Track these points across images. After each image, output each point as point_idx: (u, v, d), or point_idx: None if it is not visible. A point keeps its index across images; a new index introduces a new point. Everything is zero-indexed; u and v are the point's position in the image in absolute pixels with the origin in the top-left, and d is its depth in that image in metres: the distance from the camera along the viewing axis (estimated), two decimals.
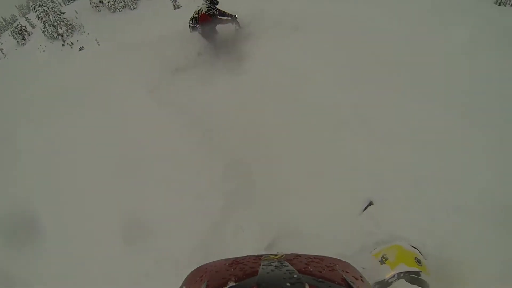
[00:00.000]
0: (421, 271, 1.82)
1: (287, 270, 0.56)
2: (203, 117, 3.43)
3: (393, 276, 1.77)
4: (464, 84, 2.97)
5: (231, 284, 0.56)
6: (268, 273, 0.56)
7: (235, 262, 0.68)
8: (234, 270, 0.62)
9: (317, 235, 2.17)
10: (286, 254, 0.73)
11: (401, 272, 1.78)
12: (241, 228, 2.17)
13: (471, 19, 3.75)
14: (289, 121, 2.91)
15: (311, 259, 0.68)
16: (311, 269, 0.61)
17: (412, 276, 1.78)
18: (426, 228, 2.24)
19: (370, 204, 2.35)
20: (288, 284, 0.48)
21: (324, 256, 0.78)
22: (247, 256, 0.79)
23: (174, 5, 9.41)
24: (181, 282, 0.93)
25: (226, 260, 0.77)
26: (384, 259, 1.92)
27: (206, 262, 0.83)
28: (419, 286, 1.73)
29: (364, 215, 2.31)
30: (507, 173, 2.50)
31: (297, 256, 0.72)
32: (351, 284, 0.54)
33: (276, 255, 0.72)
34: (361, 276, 0.64)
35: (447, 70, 3.16)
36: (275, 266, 0.59)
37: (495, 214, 2.27)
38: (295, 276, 0.52)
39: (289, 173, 2.47)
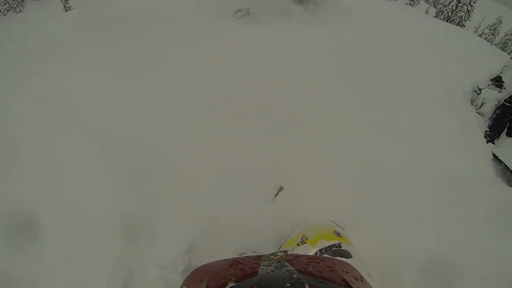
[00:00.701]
0: (341, 242, 1.89)
1: (287, 270, 0.57)
2: None
3: (316, 254, 1.81)
4: None
5: (231, 284, 0.57)
6: (268, 273, 0.57)
7: (235, 262, 0.69)
8: (234, 270, 0.63)
9: (235, 227, 2.25)
10: (286, 255, 0.74)
11: (322, 248, 1.82)
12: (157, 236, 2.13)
13: None
14: None
15: (311, 259, 0.69)
16: (311, 269, 0.62)
17: (334, 249, 1.82)
18: (339, 203, 2.45)
19: (281, 189, 2.45)
20: (288, 284, 0.49)
21: (324, 256, 0.80)
22: (247, 256, 0.81)
23: (65, 6, 9.15)
24: None
25: (226, 260, 0.79)
26: (304, 239, 1.98)
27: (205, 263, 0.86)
28: (342, 256, 1.78)
29: (277, 201, 2.40)
30: (402, 144, 3.04)
31: (297, 256, 0.73)
32: (351, 284, 0.55)
33: (276, 255, 0.74)
34: (361, 276, 0.65)
35: None
36: (275, 266, 0.60)
37: (396, 184, 2.67)
38: (295, 276, 0.53)
39: (196, 171, 2.49)
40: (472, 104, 4.11)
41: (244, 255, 2.12)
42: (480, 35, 30.82)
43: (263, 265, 0.61)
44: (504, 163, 3.35)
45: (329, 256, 0.92)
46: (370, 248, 2.23)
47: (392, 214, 2.51)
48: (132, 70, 3.15)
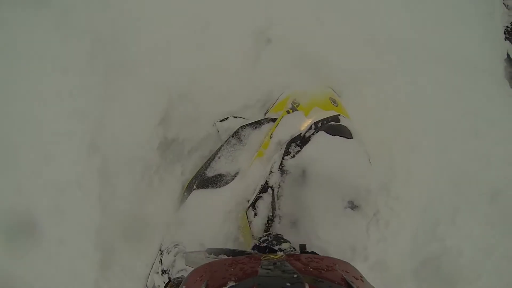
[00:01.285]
0: (339, 114, 1.63)
1: (287, 270, 0.56)
2: None
3: (310, 128, 1.55)
4: None
5: (231, 284, 0.54)
6: (268, 273, 0.56)
7: (235, 262, 0.67)
8: (234, 270, 0.62)
9: (214, 90, 2.04)
10: (286, 254, 0.72)
11: (317, 121, 1.56)
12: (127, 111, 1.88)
13: None
14: None
15: (311, 259, 0.67)
16: (311, 269, 0.60)
17: (332, 124, 1.56)
18: (337, 64, 2.21)
19: (269, 42, 2.15)
20: (288, 284, 0.47)
21: (324, 256, 0.77)
22: (247, 256, 0.80)
23: None
24: None
25: (226, 260, 0.78)
26: (295, 105, 1.70)
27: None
28: (342, 135, 1.53)
29: (265, 57, 2.13)
30: (415, 14, 2.75)
31: (297, 256, 0.71)
32: (351, 284, 0.53)
33: (276, 255, 0.71)
34: (361, 276, 0.64)
35: None
36: (275, 266, 0.59)
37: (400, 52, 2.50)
38: (295, 276, 0.51)
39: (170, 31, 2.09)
40: None
41: (225, 121, 1.79)
42: None
43: (263, 265, 0.61)
44: None
45: (329, 257, 0.81)
46: (367, 122, 2.11)
47: (393, 84, 2.39)
48: None
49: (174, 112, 1.98)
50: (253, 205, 1.49)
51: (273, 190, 1.44)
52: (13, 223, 1.49)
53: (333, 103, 1.76)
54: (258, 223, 1.48)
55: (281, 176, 1.44)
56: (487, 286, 2.05)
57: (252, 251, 1.14)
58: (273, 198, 1.45)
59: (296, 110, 1.70)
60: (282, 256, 0.69)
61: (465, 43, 2.93)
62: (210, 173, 1.67)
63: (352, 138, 1.54)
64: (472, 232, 2.16)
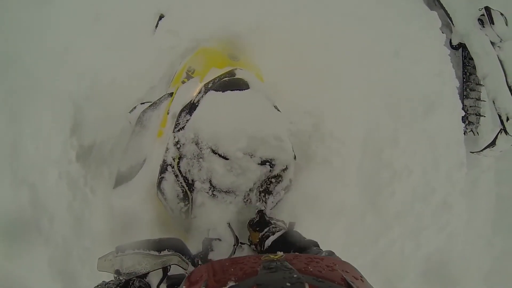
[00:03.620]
0: (236, 68, 1.50)
1: (287, 270, 0.56)
2: None
3: (200, 92, 1.43)
4: None
5: (231, 284, 0.53)
6: (268, 273, 0.56)
7: (235, 262, 0.67)
8: (234, 270, 0.61)
9: (118, 81, 1.94)
10: (286, 254, 0.71)
11: (208, 82, 1.44)
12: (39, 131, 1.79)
13: None
14: None
15: (311, 258, 0.68)
16: (311, 269, 0.60)
17: (223, 80, 1.42)
18: (232, 14, 2.10)
19: (161, 17, 2.04)
20: (288, 284, 0.47)
21: (324, 256, 0.82)
22: (247, 256, 0.82)
23: None
24: None
25: (225, 260, 0.77)
26: (190, 73, 1.63)
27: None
28: (234, 89, 1.39)
29: (159, 32, 2.04)
30: None
31: (297, 256, 0.72)
32: (351, 284, 0.53)
33: (276, 255, 0.70)
34: (361, 276, 0.63)
35: None
36: (275, 266, 0.59)
37: None
38: (295, 276, 0.52)
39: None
40: None
41: (134, 110, 1.67)
42: None
43: (263, 265, 0.61)
44: None
45: (329, 256, 0.85)
46: (279, 67, 2.00)
47: (303, 25, 2.24)
48: None
49: (83, 118, 1.88)
50: (159, 187, 1.41)
51: (173, 168, 1.35)
52: None
53: (232, 59, 1.66)
54: (172, 203, 1.40)
55: (178, 150, 1.34)
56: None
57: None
58: (177, 175, 1.36)
59: (192, 77, 1.61)
60: (282, 256, 0.69)
61: None
62: (123, 167, 1.57)
63: (248, 88, 1.45)
64: (416, 149, 2.17)
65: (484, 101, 2.93)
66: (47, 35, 1.85)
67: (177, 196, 1.37)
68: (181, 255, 1.05)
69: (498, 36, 2.77)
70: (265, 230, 1.29)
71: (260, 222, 1.35)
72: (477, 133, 2.94)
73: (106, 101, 1.89)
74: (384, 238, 2.04)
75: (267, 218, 1.37)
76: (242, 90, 1.39)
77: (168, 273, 1.02)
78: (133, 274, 0.95)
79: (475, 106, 2.97)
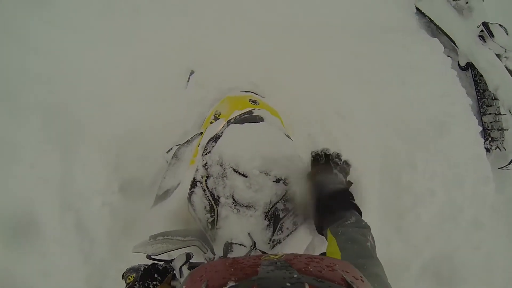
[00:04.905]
0: (253, 109, 1.70)
1: (287, 270, 0.55)
2: None
3: (223, 126, 1.61)
4: None
5: (231, 284, 0.53)
6: (268, 272, 0.55)
7: (235, 262, 0.67)
8: (234, 270, 0.60)
9: (155, 128, 2.16)
10: (286, 254, 0.71)
11: (230, 119, 1.63)
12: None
13: None
14: None
15: (311, 258, 0.66)
16: (311, 269, 0.59)
17: (243, 117, 1.63)
18: (252, 66, 2.34)
19: (192, 73, 2.31)
20: (288, 284, 0.47)
21: (324, 256, 0.78)
22: (247, 256, 0.81)
23: None
24: None
25: (226, 259, 0.76)
26: (217, 115, 1.81)
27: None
28: (254, 121, 1.59)
29: (190, 86, 2.28)
30: None
31: (297, 256, 0.70)
32: (351, 284, 0.53)
33: (276, 255, 0.72)
34: (361, 276, 0.63)
35: None
36: (275, 266, 0.59)
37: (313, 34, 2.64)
38: (295, 276, 0.51)
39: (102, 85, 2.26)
40: None
41: (170, 151, 1.88)
42: None
43: (263, 265, 0.60)
44: (428, 16, 3.34)
45: (329, 257, 0.84)
46: (294, 107, 2.17)
47: (312, 68, 2.43)
48: None
49: (125, 157, 2.09)
50: (189, 200, 1.57)
51: (201, 184, 1.51)
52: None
53: (253, 103, 1.84)
54: (200, 213, 1.54)
55: (206, 170, 1.51)
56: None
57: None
58: (204, 190, 1.52)
59: (218, 119, 1.80)
60: (282, 256, 0.69)
61: (374, 11, 3.12)
62: (160, 192, 1.75)
63: (263, 121, 1.62)
64: (435, 170, 2.17)
65: (504, 114, 2.89)
66: (94, 87, 2.16)
67: (205, 208, 1.51)
68: (202, 242, 1.21)
69: (501, 47, 2.81)
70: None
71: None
72: (504, 148, 2.87)
73: (145, 144, 2.10)
74: (416, 264, 2.01)
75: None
76: (257, 122, 1.58)
77: (190, 260, 1.19)
78: (161, 253, 1.13)
79: (495, 121, 2.93)
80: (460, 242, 2.11)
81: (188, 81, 2.31)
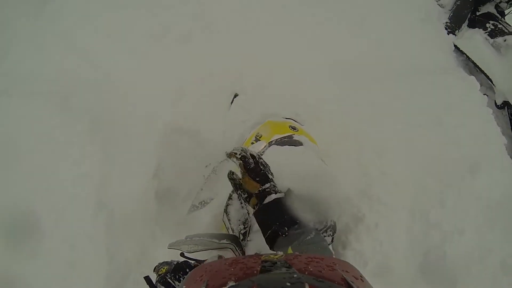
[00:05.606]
0: (293, 134, 1.87)
1: (287, 270, 0.56)
2: None
3: (265, 146, 1.78)
4: None
5: (231, 284, 0.53)
6: (268, 273, 0.57)
7: (235, 261, 0.67)
8: (234, 270, 0.61)
9: (196, 143, 2.35)
10: (286, 254, 0.73)
11: (272, 141, 1.80)
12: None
13: None
14: None
15: (311, 258, 0.67)
16: (311, 269, 0.59)
17: (283, 140, 1.80)
18: (294, 98, 2.51)
19: (236, 96, 2.47)
20: (288, 284, 0.46)
21: (324, 256, 0.77)
22: (247, 256, 0.80)
23: None
24: None
25: (226, 259, 0.79)
26: (258, 137, 1.95)
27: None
28: (294, 145, 1.75)
29: (233, 108, 2.45)
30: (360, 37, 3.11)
31: (297, 256, 0.72)
32: (351, 284, 0.53)
33: (276, 254, 0.73)
34: (361, 276, 0.64)
35: None
36: (275, 266, 0.60)
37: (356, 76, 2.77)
38: (295, 275, 0.51)
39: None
40: None
41: (209, 165, 2.05)
42: None
43: (263, 265, 0.61)
44: (465, 54, 3.43)
45: (329, 257, 0.88)
46: (332, 140, 2.34)
47: (352, 106, 2.58)
48: None
49: (165, 166, 2.26)
50: (225, 210, 1.70)
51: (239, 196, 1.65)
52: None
53: (292, 129, 1.98)
54: (234, 224, 1.67)
55: None
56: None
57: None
58: (241, 202, 1.65)
59: (259, 140, 1.94)
60: (282, 256, 0.70)
61: (413, 52, 3.19)
62: (195, 202, 1.89)
63: (302, 145, 1.77)
64: (466, 209, 2.19)
65: None
66: (143, 100, 2.35)
67: (239, 219, 1.64)
68: (235, 246, 1.27)
69: None
70: (267, 185, 1.21)
71: (257, 172, 1.27)
72: None
73: (186, 157, 2.27)
74: None
75: (263, 170, 1.29)
76: (297, 146, 1.73)
77: None
78: (195, 251, 1.21)
79: None
80: (487, 285, 2.09)
81: (231, 103, 2.47)
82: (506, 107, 3.14)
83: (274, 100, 2.47)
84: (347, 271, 0.61)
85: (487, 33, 3.39)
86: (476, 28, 3.51)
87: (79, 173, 1.97)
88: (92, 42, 2.52)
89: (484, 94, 3.00)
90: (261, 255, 0.73)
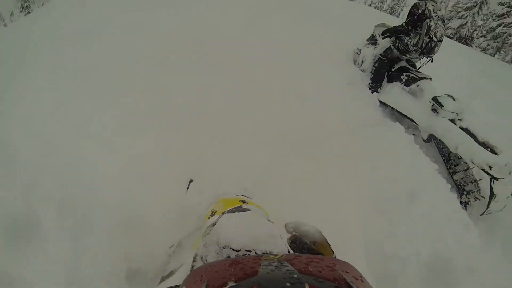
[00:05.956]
0: (242, 205, 2.11)
1: (287, 270, 0.57)
2: None
3: (218, 217, 1.88)
4: None
5: (231, 284, 0.55)
6: (268, 273, 0.58)
7: (235, 262, 0.68)
8: (234, 270, 0.62)
9: (158, 226, 2.41)
10: (286, 254, 0.75)
11: (223, 212, 2.01)
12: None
13: None
14: None
15: (311, 259, 0.68)
16: (311, 269, 0.60)
17: (233, 209, 2.01)
18: (242, 177, 2.73)
19: (191, 181, 2.69)
20: (288, 284, 0.49)
21: (324, 256, 0.80)
22: (247, 256, 0.81)
23: None
24: None
25: (226, 260, 0.79)
26: (213, 213, 2.20)
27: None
28: (242, 211, 1.93)
29: (190, 192, 2.63)
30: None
31: (297, 256, 0.73)
32: (351, 284, 0.55)
33: (276, 255, 0.76)
34: (361, 276, 0.64)
35: None
36: (275, 266, 0.60)
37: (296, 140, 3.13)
38: (295, 276, 0.53)
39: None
40: (355, 64, 4.71)
41: (173, 246, 2.21)
42: (369, 5, 33.82)
43: (263, 265, 0.62)
44: (389, 105, 3.99)
45: (329, 257, 0.91)
46: (280, 207, 2.42)
47: (298, 173, 2.80)
48: None
49: (133, 248, 2.29)
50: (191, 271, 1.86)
51: (202, 259, 1.84)
52: None
53: (243, 202, 2.21)
54: None
55: (206, 248, 1.75)
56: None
57: None
58: (204, 262, 1.82)
59: (214, 215, 2.15)
60: (282, 256, 0.70)
61: (346, 111, 3.75)
62: (164, 274, 2.02)
63: (249, 211, 1.93)
64: (415, 233, 2.44)
65: (473, 167, 3.14)
66: (110, 187, 2.44)
67: None
68: None
69: (452, 112, 3.24)
70: None
71: None
72: (482, 197, 3.11)
73: (152, 241, 2.34)
74: None
75: None
76: (245, 211, 1.91)
77: None
78: None
79: (466, 176, 3.24)
80: None
81: (187, 188, 2.67)
82: (432, 140, 3.56)
83: (224, 180, 2.69)
84: (347, 272, 0.62)
85: (403, 84, 4.00)
86: (394, 82, 4.12)
87: (49, 259, 2.07)
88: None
89: (413, 134, 3.45)
90: (261, 256, 0.75)
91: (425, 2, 3.68)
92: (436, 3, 3.72)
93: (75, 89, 3.09)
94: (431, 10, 3.63)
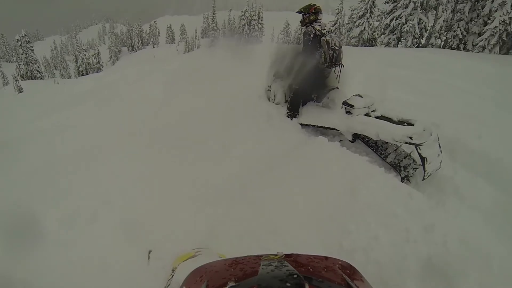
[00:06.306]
0: (195, 254, 2.24)
1: (287, 270, 0.57)
2: None
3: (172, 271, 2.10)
4: None
5: (231, 284, 0.56)
6: (268, 273, 0.58)
7: (235, 262, 0.68)
8: (234, 270, 0.62)
9: None
10: (286, 254, 0.75)
11: (175, 267, 2.13)
12: None
13: None
14: None
15: (311, 259, 0.69)
16: (311, 269, 0.62)
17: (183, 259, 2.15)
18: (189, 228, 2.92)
19: (150, 252, 2.76)
20: (288, 284, 0.49)
21: (324, 256, 0.80)
22: (247, 256, 0.81)
23: None
24: None
25: (226, 260, 0.78)
26: (173, 270, 2.23)
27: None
28: (193, 256, 2.10)
29: (152, 262, 2.68)
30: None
31: (297, 256, 0.73)
32: (351, 284, 0.56)
33: (276, 255, 0.75)
34: (361, 276, 0.65)
35: None
36: (275, 266, 0.61)
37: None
38: (295, 276, 0.54)
39: None
40: (269, 100, 5.13)
41: None
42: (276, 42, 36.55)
43: (263, 265, 0.62)
44: (310, 124, 4.32)
45: (329, 257, 0.93)
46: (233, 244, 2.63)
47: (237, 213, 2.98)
48: None
49: None
50: None
51: None
52: None
53: (193, 257, 2.27)
54: None
55: None
56: None
57: None
58: None
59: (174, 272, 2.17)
60: (282, 256, 0.72)
61: (275, 142, 4.12)
62: None
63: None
64: (368, 221, 2.53)
65: (400, 145, 3.41)
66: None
67: None
68: None
69: (364, 107, 3.59)
70: None
71: None
72: (420, 165, 3.24)
73: None
74: None
75: None
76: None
77: None
78: None
79: (398, 154, 3.45)
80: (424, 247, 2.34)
81: (148, 258, 2.70)
82: (357, 137, 3.82)
83: (182, 243, 2.69)
84: (347, 271, 0.64)
85: (315, 101, 4.42)
86: (308, 103, 4.52)
87: None
88: None
89: (340, 140, 3.75)
90: (261, 256, 0.75)
91: (312, 26, 4.13)
92: (320, 24, 4.17)
93: None
94: (320, 29, 4.07)
